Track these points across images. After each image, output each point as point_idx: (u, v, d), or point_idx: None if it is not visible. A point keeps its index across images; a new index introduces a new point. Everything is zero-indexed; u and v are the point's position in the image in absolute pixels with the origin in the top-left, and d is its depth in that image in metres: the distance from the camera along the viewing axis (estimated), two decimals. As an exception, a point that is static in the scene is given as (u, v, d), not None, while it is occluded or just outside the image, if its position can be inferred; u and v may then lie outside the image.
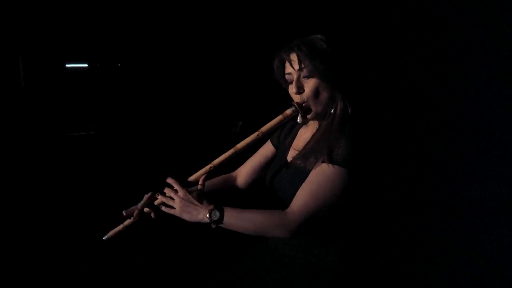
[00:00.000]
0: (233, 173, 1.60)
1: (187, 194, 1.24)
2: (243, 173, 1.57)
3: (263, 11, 3.29)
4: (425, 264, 2.43)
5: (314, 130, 1.33)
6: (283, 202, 1.28)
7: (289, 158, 1.36)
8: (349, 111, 1.24)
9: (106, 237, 1.35)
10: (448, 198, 3.19)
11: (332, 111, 1.26)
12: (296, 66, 1.25)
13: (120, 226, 1.35)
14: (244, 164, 1.58)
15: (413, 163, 3.39)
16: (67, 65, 3.25)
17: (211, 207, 1.21)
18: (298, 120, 1.31)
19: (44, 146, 3.06)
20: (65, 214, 2.77)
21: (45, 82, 3.08)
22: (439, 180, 3.31)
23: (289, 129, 1.50)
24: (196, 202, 1.22)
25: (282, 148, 1.46)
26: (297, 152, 1.33)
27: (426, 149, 3.45)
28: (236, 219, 1.20)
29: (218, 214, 1.19)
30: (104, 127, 3.38)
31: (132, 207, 1.34)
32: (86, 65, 3.32)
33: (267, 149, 1.54)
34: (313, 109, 1.27)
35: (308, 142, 1.28)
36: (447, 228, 2.83)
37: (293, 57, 1.25)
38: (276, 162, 1.45)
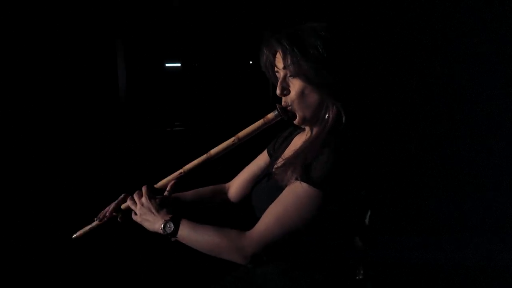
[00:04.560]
0: (226, 184, 1.43)
1: (149, 201, 1.14)
2: (235, 185, 1.40)
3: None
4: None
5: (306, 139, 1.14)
6: (258, 215, 1.12)
7: (274, 168, 1.15)
8: (343, 119, 1.02)
9: (75, 236, 1.28)
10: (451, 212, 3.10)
11: (326, 117, 1.04)
12: (281, 64, 1.05)
13: (88, 227, 1.27)
14: (239, 174, 1.40)
15: (411, 176, 3.32)
16: (166, 65, 3.37)
17: (168, 218, 1.09)
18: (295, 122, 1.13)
19: (143, 141, 3.14)
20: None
21: (146, 80, 3.22)
22: (440, 193, 3.23)
23: (286, 136, 1.32)
24: (154, 211, 1.12)
25: (275, 156, 1.28)
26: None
27: (426, 159, 3.38)
28: (191, 235, 1.06)
29: (172, 226, 1.06)
30: (190, 123, 3.47)
31: (105, 210, 1.27)
32: (179, 65, 3.43)
33: (262, 159, 1.36)
34: (299, 114, 1.08)
35: (294, 153, 1.08)
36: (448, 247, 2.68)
37: (279, 52, 1.05)
38: (264, 171, 1.30)
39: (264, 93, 3.46)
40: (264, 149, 1.39)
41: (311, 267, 1.07)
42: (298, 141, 1.19)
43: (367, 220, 1.18)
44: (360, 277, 1.16)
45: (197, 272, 2.16)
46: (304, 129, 1.19)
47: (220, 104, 3.51)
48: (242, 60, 3.48)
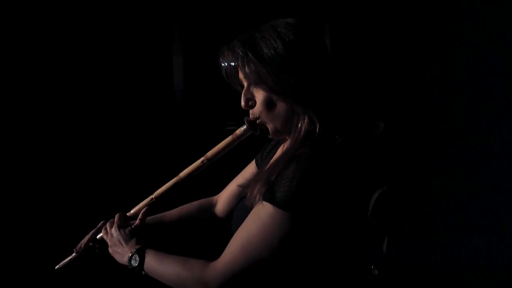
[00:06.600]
0: (214, 198, 1.34)
1: (118, 231, 1.06)
2: (222, 199, 1.31)
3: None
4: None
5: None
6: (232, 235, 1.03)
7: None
8: (317, 128, 0.89)
9: (57, 267, 1.22)
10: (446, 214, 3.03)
11: (298, 127, 0.92)
12: (241, 73, 0.95)
13: (68, 258, 1.21)
14: (226, 187, 1.32)
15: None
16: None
17: (134, 250, 1.00)
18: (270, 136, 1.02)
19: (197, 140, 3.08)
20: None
21: (203, 80, 3.15)
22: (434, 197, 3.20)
23: (273, 145, 1.20)
24: (122, 242, 1.04)
25: (262, 167, 1.16)
26: None
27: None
28: (156, 268, 0.97)
29: (138, 259, 0.98)
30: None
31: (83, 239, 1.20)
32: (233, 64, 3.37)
33: (249, 170, 1.27)
34: (269, 126, 0.97)
35: (264, 168, 0.99)
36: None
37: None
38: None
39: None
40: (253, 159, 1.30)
41: None
42: (279, 153, 1.08)
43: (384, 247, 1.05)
44: None
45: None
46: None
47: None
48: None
